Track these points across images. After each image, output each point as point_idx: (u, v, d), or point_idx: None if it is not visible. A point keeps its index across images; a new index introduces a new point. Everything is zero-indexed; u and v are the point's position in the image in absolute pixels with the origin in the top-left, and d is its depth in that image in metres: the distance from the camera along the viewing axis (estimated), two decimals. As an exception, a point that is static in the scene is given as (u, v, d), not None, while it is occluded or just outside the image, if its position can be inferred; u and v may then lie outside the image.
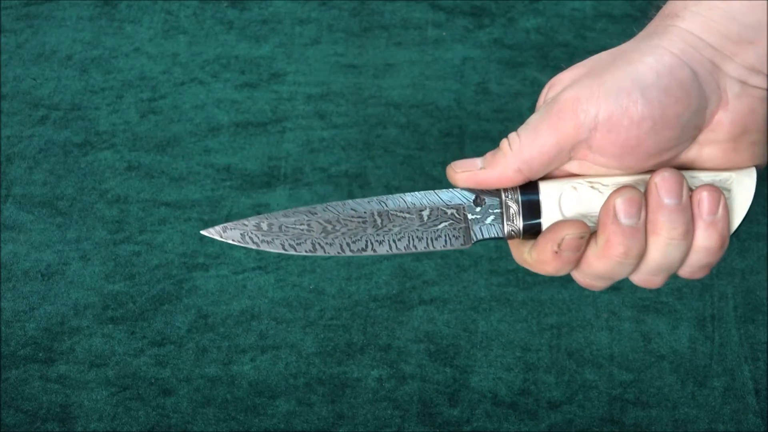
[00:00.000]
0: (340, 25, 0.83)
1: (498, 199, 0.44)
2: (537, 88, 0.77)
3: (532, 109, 0.77)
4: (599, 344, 0.63)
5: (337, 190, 0.71)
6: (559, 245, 0.42)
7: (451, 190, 0.45)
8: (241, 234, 0.45)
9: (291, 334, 0.64)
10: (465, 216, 0.45)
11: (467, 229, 0.45)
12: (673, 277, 0.67)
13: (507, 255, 0.68)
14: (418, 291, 0.66)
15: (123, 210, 0.71)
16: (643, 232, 0.42)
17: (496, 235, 0.45)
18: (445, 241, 0.44)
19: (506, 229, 0.44)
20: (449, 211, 0.45)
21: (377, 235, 0.44)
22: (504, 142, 0.44)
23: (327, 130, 0.75)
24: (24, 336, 0.64)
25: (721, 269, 0.67)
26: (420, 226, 0.45)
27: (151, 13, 0.84)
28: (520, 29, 0.82)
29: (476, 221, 0.45)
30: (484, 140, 0.74)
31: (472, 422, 0.60)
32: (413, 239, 0.44)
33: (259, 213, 0.69)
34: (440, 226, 0.45)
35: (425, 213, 0.45)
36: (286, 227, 0.45)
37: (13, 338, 0.64)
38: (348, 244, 0.44)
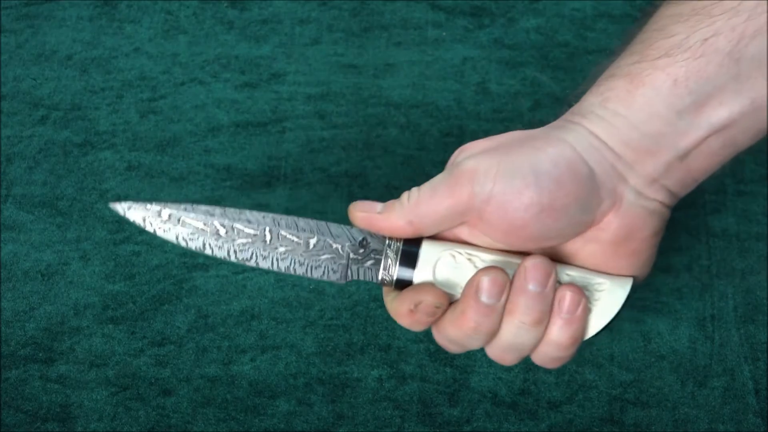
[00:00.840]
0: (340, 25, 0.83)
1: (382, 245, 0.46)
2: (537, 88, 0.77)
3: (532, 109, 0.77)
4: (599, 344, 0.63)
5: (337, 190, 0.71)
6: (416, 305, 0.45)
7: (342, 226, 0.47)
8: (142, 217, 0.47)
9: (291, 334, 0.64)
10: (348, 254, 0.47)
11: (346, 267, 0.47)
12: (674, 277, 0.67)
13: (507, 255, 0.67)
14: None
15: (123, 210, 0.71)
16: (499, 312, 0.44)
17: (371, 279, 0.47)
18: (324, 272, 0.47)
19: (380, 276, 0.47)
20: (334, 246, 0.47)
21: (264, 250, 0.46)
22: (404, 194, 0.46)
23: (327, 130, 0.75)
24: (24, 336, 0.64)
25: (721, 269, 0.67)
26: (304, 252, 0.47)
27: (151, 13, 0.84)
28: (520, 29, 0.82)
29: (356, 261, 0.47)
30: (484, 140, 0.74)
31: (472, 422, 0.60)
32: (295, 263, 0.47)
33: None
34: (322, 257, 0.47)
35: (312, 241, 0.47)
36: (184, 221, 0.47)
37: (13, 338, 0.64)
38: (235, 252, 0.46)
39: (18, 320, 0.65)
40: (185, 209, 0.47)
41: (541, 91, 0.77)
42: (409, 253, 0.46)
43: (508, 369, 0.62)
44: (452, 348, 0.47)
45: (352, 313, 0.65)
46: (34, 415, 0.60)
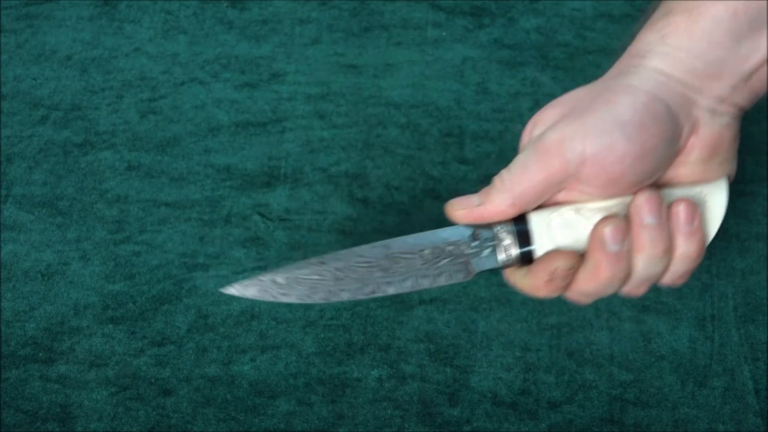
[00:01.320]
0: (340, 25, 0.83)
1: (492, 232, 0.47)
2: (537, 88, 0.77)
3: (532, 109, 0.77)
4: (599, 344, 0.63)
5: (337, 190, 0.71)
6: (551, 274, 0.46)
7: (448, 228, 0.47)
8: (259, 290, 0.48)
9: (291, 334, 0.64)
10: (463, 251, 0.47)
11: (467, 263, 0.47)
12: (673, 277, 0.67)
13: (507, 255, 0.68)
14: (418, 291, 0.66)
15: (123, 210, 0.71)
16: (628, 254, 0.45)
17: (494, 266, 0.47)
18: (448, 276, 0.48)
19: (503, 259, 0.47)
20: (448, 248, 0.48)
21: (385, 277, 0.47)
22: (496, 179, 0.47)
23: (327, 130, 0.75)
24: (24, 336, 0.64)
25: (721, 269, 0.67)
26: (423, 264, 0.48)
27: (151, 13, 0.84)
28: (520, 29, 0.82)
29: (474, 254, 0.48)
30: (484, 140, 0.74)
31: (472, 422, 0.60)
32: (418, 278, 0.48)
33: (259, 213, 0.69)
34: (441, 263, 0.48)
35: (426, 252, 0.48)
36: (300, 279, 0.48)
37: (13, 338, 0.64)
38: (359, 288, 0.47)
39: (18, 320, 0.65)
40: (297, 268, 0.48)
41: (541, 91, 0.77)
42: (521, 229, 0.47)
43: (508, 369, 0.62)
44: (586, 300, 0.49)
45: (352, 313, 0.65)
46: (34, 415, 0.60)
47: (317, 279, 0.47)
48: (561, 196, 0.47)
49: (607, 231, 0.44)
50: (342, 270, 0.47)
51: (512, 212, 0.46)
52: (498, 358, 0.63)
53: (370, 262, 0.47)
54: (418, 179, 0.72)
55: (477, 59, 0.80)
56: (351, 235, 0.69)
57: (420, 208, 0.70)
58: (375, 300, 0.66)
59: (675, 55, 0.45)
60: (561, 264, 0.45)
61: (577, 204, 0.47)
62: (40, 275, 0.67)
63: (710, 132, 0.46)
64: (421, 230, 0.70)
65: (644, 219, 0.44)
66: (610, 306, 0.65)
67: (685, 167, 0.47)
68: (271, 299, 0.48)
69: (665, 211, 0.45)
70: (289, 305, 0.65)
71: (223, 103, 0.77)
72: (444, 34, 0.82)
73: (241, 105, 0.77)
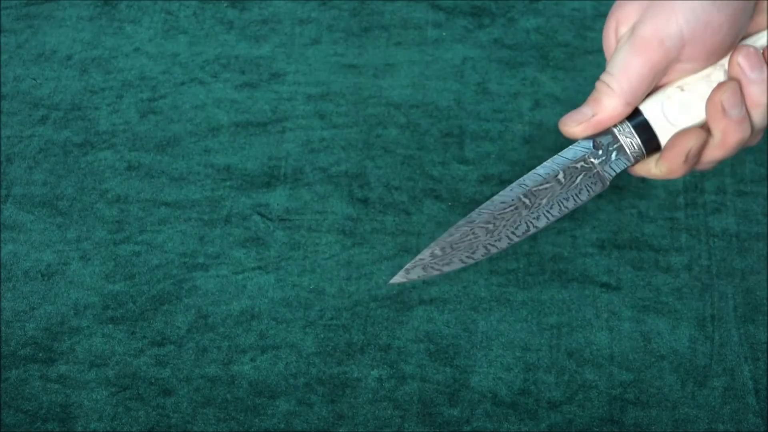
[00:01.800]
0: (340, 25, 0.83)
1: (611, 135, 0.48)
2: (537, 88, 0.77)
3: (532, 109, 0.77)
4: (599, 344, 0.63)
5: (337, 189, 0.71)
6: (686, 155, 0.47)
7: (568, 148, 0.49)
8: (422, 268, 0.49)
9: (291, 334, 0.64)
10: (592, 163, 0.49)
11: (600, 173, 0.48)
12: (673, 277, 0.67)
13: (507, 255, 0.68)
14: (418, 291, 0.66)
15: (123, 210, 0.71)
16: (747, 114, 0.47)
17: (626, 165, 0.49)
18: (587, 191, 0.49)
19: (632, 157, 0.48)
20: (578, 165, 0.49)
21: (531, 213, 0.48)
22: (600, 85, 0.48)
23: (327, 130, 0.75)
24: (24, 336, 0.64)
25: (721, 269, 0.67)
26: (561, 189, 0.49)
27: (151, 13, 0.84)
28: (520, 29, 0.82)
29: (604, 162, 0.49)
30: (484, 140, 0.74)
31: (472, 422, 0.60)
32: (562, 202, 0.48)
33: (259, 213, 0.69)
34: (577, 181, 0.49)
35: (560, 176, 0.48)
36: (456, 244, 0.48)
37: (13, 338, 0.64)
38: (513, 233, 0.48)
39: (18, 320, 0.65)
40: (449, 234, 0.48)
41: (541, 91, 0.77)
42: (638, 122, 0.48)
43: (508, 369, 0.62)
44: (714, 166, 0.50)
45: (352, 313, 0.65)
46: (34, 415, 0.60)
47: (471, 239, 0.48)
48: (663, 79, 0.49)
49: (726, 98, 0.46)
50: (490, 222, 0.48)
51: (627, 111, 0.48)
52: (498, 358, 0.63)
53: (514, 204, 0.48)
54: (418, 179, 0.72)
55: (477, 59, 0.80)
56: (351, 235, 0.69)
57: (420, 208, 0.70)
58: (375, 299, 0.66)
59: None
60: (694, 143, 0.47)
61: (681, 82, 0.48)
62: (40, 275, 0.67)
63: None
64: (421, 230, 0.70)
65: (750, 74, 0.46)
66: (610, 306, 0.65)
67: (759, 16, 0.49)
68: (437, 273, 0.48)
69: (764, 61, 0.46)
70: (288, 305, 0.65)
71: (223, 103, 0.77)
72: (444, 34, 0.82)
73: (241, 105, 0.77)
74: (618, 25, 0.49)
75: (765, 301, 0.65)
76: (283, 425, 0.60)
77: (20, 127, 0.76)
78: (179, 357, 0.63)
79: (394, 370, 0.62)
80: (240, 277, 0.67)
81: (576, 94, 0.76)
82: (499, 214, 0.48)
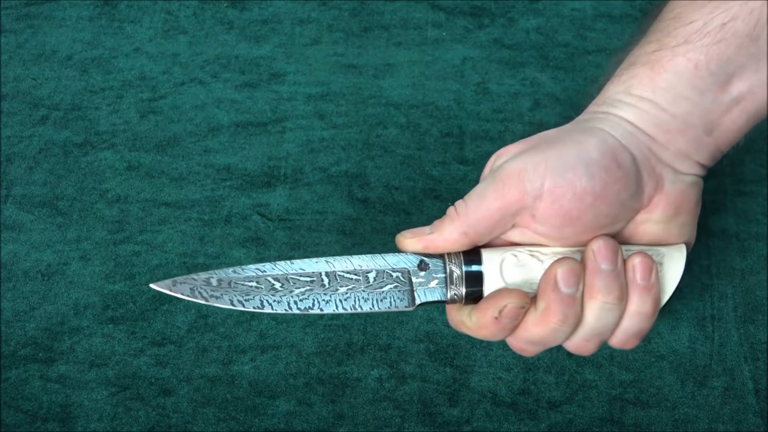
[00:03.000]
0: (340, 25, 0.83)
1: (442, 264, 0.46)
2: (537, 88, 0.77)
3: (532, 109, 0.77)
4: (599, 344, 0.63)
5: (337, 190, 0.71)
6: (500, 312, 0.44)
7: (397, 254, 0.46)
8: (190, 288, 0.46)
9: (291, 334, 0.64)
10: (410, 279, 0.47)
11: (411, 292, 0.46)
12: (673, 277, 0.67)
13: (507, 255, 0.67)
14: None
15: (123, 210, 0.71)
16: (580, 300, 0.44)
17: (439, 299, 0.47)
18: (390, 302, 0.46)
19: (449, 293, 0.46)
20: (395, 275, 0.47)
21: (324, 294, 0.46)
22: (451, 209, 0.47)
23: (327, 130, 0.75)
24: (24, 336, 0.64)
25: (721, 269, 0.67)
26: (366, 287, 0.46)
27: (151, 13, 0.84)
28: (520, 29, 0.82)
29: (420, 284, 0.47)
30: (484, 140, 0.74)
31: (472, 422, 0.60)
32: (359, 300, 0.46)
33: (259, 213, 0.69)
34: (385, 289, 0.46)
35: (371, 275, 0.47)
36: (235, 284, 0.46)
37: (13, 338, 0.64)
38: (296, 302, 0.46)
39: (18, 320, 0.65)
40: (234, 272, 0.46)
41: (541, 91, 0.77)
42: (472, 264, 0.45)
43: (508, 369, 0.62)
44: (531, 350, 0.47)
45: (352, 313, 0.65)
46: (34, 415, 0.60)
47: (252, 286, 0.46)
48: (516, 236, 0.46)
49: (561, 272, 0.43)
50: (280, 281, 0.46)
51: (464, 242, 0.45)
52: (498, 358, 0.63)
53: (311, 277, 0.46)
54: (418, 179, 0.72)
55: (477, 59, 0.80)
56: (351, 235, 0.69)
57: (420, 208, 0.70)
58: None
59: (640, 106, 0.44)
60: (511, 302, 0.44)
61: (532, 248, 0.46)
62: (40, 275, 0.67)
63: (674, 191, 0.45)
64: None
65: (600, 264, 0.43)
66: (610, 306, 0.65)
67: (646, 225, 0.47)
68: (202, 301, 0.46)
69: (621, 261, 0.44)
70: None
71: (223, 103, 0.77)
72: (444, 34, 0.82)
73: (241, 105, 0.77)
74: (497, 159, 0.47)
75: (765, 301, 0.65)
76: (283, 425, 0.60)
77: (20, 127, 0.76)
78: (179, 357, 0.63)
79: (394, 370, 0.62)
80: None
81: (576, 94, 0.76)
82: (291, 278, 0.46)
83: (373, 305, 0.45)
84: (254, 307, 0.45)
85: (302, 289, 0.45)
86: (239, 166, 0.73)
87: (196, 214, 0.70)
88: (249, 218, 0.70)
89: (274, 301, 0.45)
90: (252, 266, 0.46)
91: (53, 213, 0.70)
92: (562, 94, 0.77)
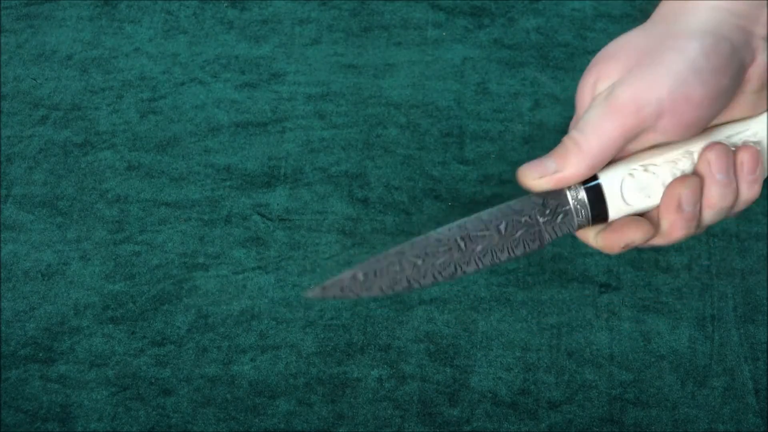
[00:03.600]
0: (340, 25, 0.83)
1: (563, 197, 0.47)
2: (537, 88, 0.77)
3: (532, 109, 0.77)
4: (599, 344, 0.63)
5: (337, 189, 0.71)
6: (626, 245, 0.46)
7: (519, 199, 0.47)
8: (340, 288, 0.48)
9: (291, 334, 0.64)
10: (537, 220, 0.48)
11: (541, 232, 0.47)
12: (673, 277, 0.67)
13: (507, 255, 0.68)
14: (417, 291, 0.66)
15: (123, 210, 0.71)
16: (698, 211, 0.46)
17: (568, 231, 0.48)
18: (524, 247, 0.48)
19: (576, 223, 0.47)
20: (523, 219, 0.48)
21: (463, 257, 0.47)
22: (568, 141, 0.46)
23: (327, 130, 0.75)
24: (24, 336, 0.64)
25: (721, 269, 0.67)
26: (499, 239, 0.48)
27: (151, 13, 0.84)
28: (520, 29, 0.82)
29: (548, 222, 0.48)
30: (484, 140, 0.74)
31: (472, 422, 0.60)
32: (496, 252, 0.47)
33: (259, 213, 0.69)
34: (517, 235, 0.48)
35: (502, 226, 0.48)
36: (380, 272, 0.48)
37: (13, 338, 0.64)
38: (440, 272, 0.47)
39: (18, 320, 0.65)
40: (376, 261, 0.47)
41: (541, 91, 0.77)
42: (595, 196, 0.46)
43: (508, 369, 0.62)
44: (649, 247, 0.50)
45: (352, 313, 0.65)
46: (34, 415, 0.60)
47: (397, 270, 0.47)
48: (631, 146, 0.47)
49: (685, 194, 0.45)
50: (420, 257, 0.47)
51: (589, 174, 0.46)
52: (498, 358, 0.63)
53: (448, 245, 0.47)
54: (418, 179, 0.72)
55: (477, 59, 0.80)
56: (351, 235, 0.69)
57: (420, 208, 0.70)
58: (375, 299, 0.66)
59: None
60: (638, 238, 0.45)
61: (645, 158, 0.47)
62: (40, 275, 0.67)
63: (765, 60, 0.46)
64: (421, 231, 0.70)
65: (716, 174, 0.45)
66: (610, 306, 0.65)
67: (741, 97, 0.47)
68: (354, 297, 0.48)
69: (732, 163, 0.46)
70: (288, 305, 0.65)
71: (223, 103, 0.77)
72: (444, 34, 0.82)
73: (241, 105, 0.77)
74: (597, 81, 0.47)
75: (765, 301, 0.65)
76: (283, 425, 0.60)
77: (20, 127, 0.76)
78: (179, 357, 0.63)
79: (394, 370, 0.62)
80: (240, 277, 0.67)
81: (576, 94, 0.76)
82: (431, 251, 0.47)
83: (510, 254, 0.47)
84: (402, 288, 0.47)
85: (442, 259, 0.47)
86: (239, 166, 0.73)
87: (196, 214, 0.70)
88: (249, 218, 0.70)
89: (420, 277, 0.46)
90: (392, 250, 0.47)
91: (53, 213, 0.70)
92: (562, 94, 0.77)
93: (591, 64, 0.46)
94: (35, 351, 0.63)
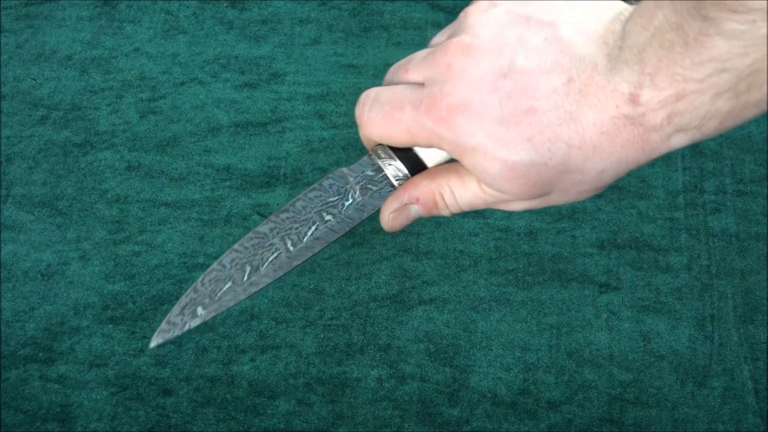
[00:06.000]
0: (340, 25, 0.83)
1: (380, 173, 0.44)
2: (537, 88, 0.77)
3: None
4: (599, 344, 0.63)
5: (336, 190, 0.71)
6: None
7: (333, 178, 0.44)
8: (180, 329, 0.46)
9: (291, 334, 0.64)
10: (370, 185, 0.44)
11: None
12: (673, 277, 0.67)
13: (506, 255, 0.68)
14: (417, 291, 0.66)
15: (123, 210, 0.71)
16: None
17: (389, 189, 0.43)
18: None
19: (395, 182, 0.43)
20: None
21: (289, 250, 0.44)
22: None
23: (327, 130, 0.75)
24: (24, 336, 0.64)
25: (720, 269, 0.67)
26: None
27: (151, 13, 0.84)
28: (520, 29, 0.82)
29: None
30: (484, 140, 0.74)
31: (472, 422, 0.60)
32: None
33: (259, 213, 0.69)
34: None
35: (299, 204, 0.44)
36: (216, 298, 0.46)
37: (13, 338, 0.64)
38: (275, 270, 0.44)
39: (18, 320, 0.65)
40: (194, 291, 0.46)
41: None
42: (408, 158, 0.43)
43: (507, 369, 0.62)
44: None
45: (351, 313, 0.65)
46: (34, 415, 0.60)
47: (230, 286, 0.45)
48: None
49: None
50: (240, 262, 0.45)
51: None
52: (498, 358, 0.63)
53: (261, 237, 0.43)
54: (417, 179, 0.72)
55: (477, 59, 0.80)
56: (351, 235, 0.69)
57: (420, 208, 0.71)
58: (375, 299, 0.66)
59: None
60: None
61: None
62: (40, 275, 0.67)
63: None
64: (421, 230, 0.70)
65: None
66: (610, 306, 0.65)
67: None
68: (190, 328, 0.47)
69: None
70: (288, 305, 0.65)
71: (223, 103, 0.77)
72: (444, 34, 0.82)
73: (241, 105, 0.77)
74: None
75: (765, 301, 0.65)
76: (283, 425, 0.60)
77: (20, 127, 0.76)
78: (179, 357, 0.63)
79: (393, 370, 0.62)
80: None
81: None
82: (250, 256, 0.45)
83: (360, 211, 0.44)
84: (244, 296, 0.44)
85: (274, 262, 0.45)
86: (239, 166, 0.73)
87: (196, 214, 0.70)
88: (249, 218, 0.70)
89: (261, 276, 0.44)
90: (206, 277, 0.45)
91: (53, 213, 0.70)
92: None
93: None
94: (35, 351, 0.63)
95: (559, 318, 0.65)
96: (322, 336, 0.64)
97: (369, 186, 0.44)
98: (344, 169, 0.43)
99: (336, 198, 0.44)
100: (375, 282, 0.66)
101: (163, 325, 0.46)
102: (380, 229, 0.69)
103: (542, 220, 0.69)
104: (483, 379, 0.62)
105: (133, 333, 0.64)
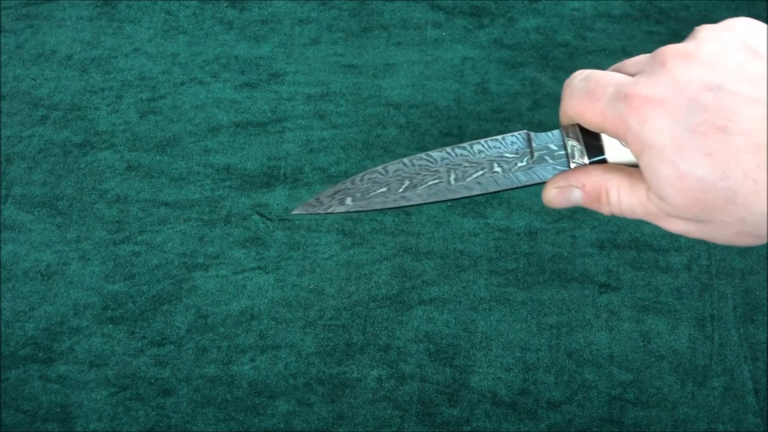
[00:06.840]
0: (340, 25, 0.83)
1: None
2: (537, 88, 0.77)
3: (531, 109, 0.77)
4: (599, 344, 0.63)
5: (336, 190, 0.71)
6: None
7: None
8: (339, 203, 0.48)
9: (291, 334, 0.64)
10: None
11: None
12: (673, 277, 0.67)
13: (506, 255, 0.68)
14: (417, 291, 0.66)
15: (123, 210, 0.71)
16: None
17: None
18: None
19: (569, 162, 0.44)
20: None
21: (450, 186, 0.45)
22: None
23: (327, 130, 0.75)
24: (24, 336, 0.64)
25: (720, 269, 0.67)
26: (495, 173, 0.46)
27: (150, 13, 0.84)
28: (520, 29, 0.82)
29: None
30: (484, 140, 0.74)
31: (472, 422, 0.60)
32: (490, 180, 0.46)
33: (259, 213, 0.69)
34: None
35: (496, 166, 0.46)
36: (368, 198, 0.47)
37: (13, 338, 0.64)
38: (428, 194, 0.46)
39: (18, 320, 0.65)
40: (365, 185, 0.47)
41: (541, 91, 0.77)
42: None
43: (507, 369, 0.62)
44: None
45: (351, 313, 0.65)
46: (34, 415, 0.60)
47: (385, 192, 0.47)
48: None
49: None
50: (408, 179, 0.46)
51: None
52: (498, 358, 0.63)
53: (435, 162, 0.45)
54: (417, 179, 0.72)
55: (477, 59, 0.80)
56: (351, 235, 0.69)
57: (420, 208, 0.70)
58: (375, 299, 0.66)
59: None
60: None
61: None
62: (40, 275, 0.67)
63: None
64: (421, 230, 0.70)
65: None
66: (610, 306, 0.65)
67: None
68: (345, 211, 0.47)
69: None
70: (288, 305, 0.65)
71: (223, 103, 0.77)
72: (444, 34, 0.82)
73: (241, 105, 0.77)
74: None
75: (765, 301, 0.65)
76: (282, 425, 0.60)
77: (20, 127, 0.76)
78: (179, 357, 0.63)
79: (393, 370, 0.62)
80: (240, 277, 0.67)
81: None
82: (418, 178, 0.46)
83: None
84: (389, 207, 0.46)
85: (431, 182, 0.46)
86: (239, 166, 0.73)
87: (196, 214, 0.70)
88: (249, 218, 0.70)
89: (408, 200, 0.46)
90: (380, 170, 0.46)
91: (53, 213, 0.70)
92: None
93: None
94: (35, 351, 0.63)
95: (559, 318, 0.65)
96: (322, 336, 0.64)
97: (546, 157, 0.45)
98: (531, 133, 0.44)
99: (512, 156, 0.46)
100: (375, 282, 0.66)
101: (312, 200, 0.48)
102: (380, 229, 0.69)
103: (542, 220, 0.69)
104: (483, 379, 0.62)
105: (132, 333, 0.64)
